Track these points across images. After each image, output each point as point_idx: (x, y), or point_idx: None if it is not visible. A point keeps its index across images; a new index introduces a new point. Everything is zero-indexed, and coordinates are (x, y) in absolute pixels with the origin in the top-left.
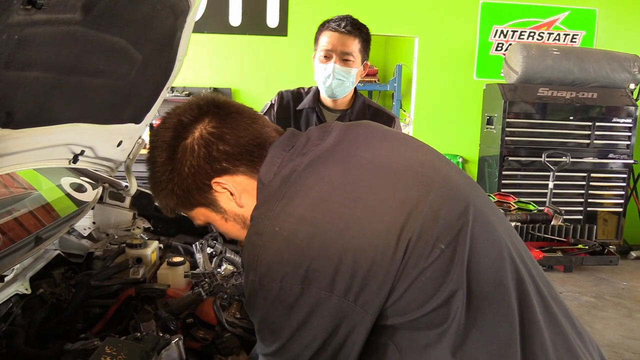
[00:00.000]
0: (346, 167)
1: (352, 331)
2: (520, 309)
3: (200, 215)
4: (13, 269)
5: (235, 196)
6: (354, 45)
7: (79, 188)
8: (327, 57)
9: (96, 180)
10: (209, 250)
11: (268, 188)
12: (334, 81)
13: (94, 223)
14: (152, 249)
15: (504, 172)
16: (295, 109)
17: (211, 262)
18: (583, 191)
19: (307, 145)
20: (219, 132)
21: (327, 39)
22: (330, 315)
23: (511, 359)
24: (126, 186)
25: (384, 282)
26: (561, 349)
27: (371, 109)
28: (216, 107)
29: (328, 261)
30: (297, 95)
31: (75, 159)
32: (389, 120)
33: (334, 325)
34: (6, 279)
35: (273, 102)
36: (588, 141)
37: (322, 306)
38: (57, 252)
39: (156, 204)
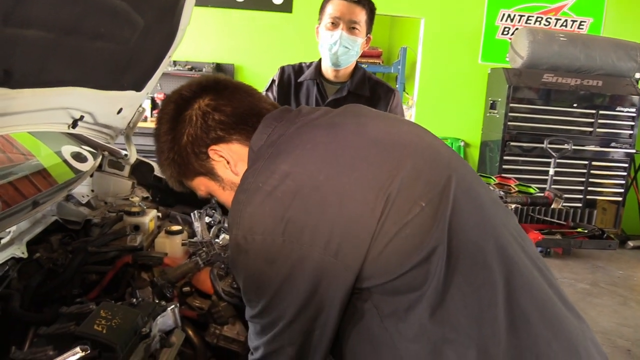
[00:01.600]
0: (332, 131)
1: (333, 289)
2: (505, 274)
3: (201, 185)
4: (9, 232)
5: (231, 164)
6: (361, 16)
7: (79, 156)
8: (335, 25)
9: (95, 147)
10: (207, 219)
11: (257, 153)
12: (340, 48)
13: (92, 191)
14: (150, 217)
15: (505, 157)
16: (297, 81)
17: (209, 231)
18: (584, 179)
19: (298, 116)
20: (215, 103)
21: (335, 7)
22: (312, 271)
23: (493, 322)
24: (126, 155)
25: (363, 238)
26: (552, 319)
27: (371, 81)
28: (215, 83)
29: (307, 215)
30: (299, 68)
31: (74, 124)
32: (388, 92)
33: (315, 282)
34: (2, 241)
35: (275, 77)
36: (591, 129)
37: (304, 261)
38: (55, 218)
39: (162, 176)
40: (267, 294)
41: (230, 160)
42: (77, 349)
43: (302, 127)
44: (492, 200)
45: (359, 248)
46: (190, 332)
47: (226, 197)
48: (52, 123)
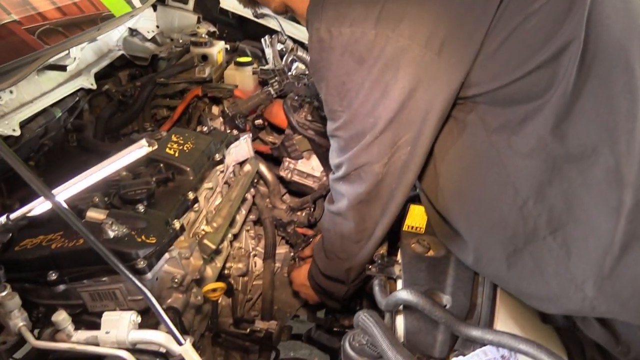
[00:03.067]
0: None
1: (432, 94)
2: None
3: None
4: (75, 59)
5: None
6: None
7: None
8: None
9: None
10: (279, 46)
11: None
12: None
13: (157, 27)
14: (218, 49)
15: None
16: None
17: (282, 59)
18: None
19: None
20: None
21: None
22: (409, 71)
23: (629, 137)
24: None
25: (474, 33)
26: None
27: None
28: None
29: (406, 3)
30: None
31: None
32: None
33: (412, 85)
34: (69, 68)
35: None
36: None
37: (399, 59)
38: (121, 52)
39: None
40: (356, 100)
41: None
42: (143, 140)
43: None
44: None
45: (467, 45)
46: (263, 168)
47: (302, 3)
48: None
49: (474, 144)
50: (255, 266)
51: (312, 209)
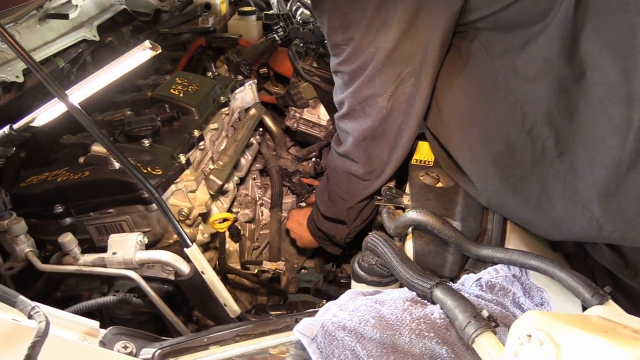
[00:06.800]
0: None
1: (433, 21)
2: None
3: None
4: (77, 7)
5: None
6: None
7: None
8: None
9: None
10: None
11: None
12: None
13: None
14: None
15: None
16: None
17: (286, 5)
18: None
19: None
20: None
21: None
22: (408, 0)
23: (637, 51)
24: None
25: None
26: None
27: None
28: None
29: None
30: None
31: None
32: None
33: (413, 11)
34: (71, 16)
35: None
36: None
37: None
38: (123, 7)
39: None
40: (357, 31)
41: None
42: (147, 42)
43: None
44: None
45: None
46: (267, 120)
47: None
48: None
49: (480, 71)
50: (262, 215)
51: (318, 158)
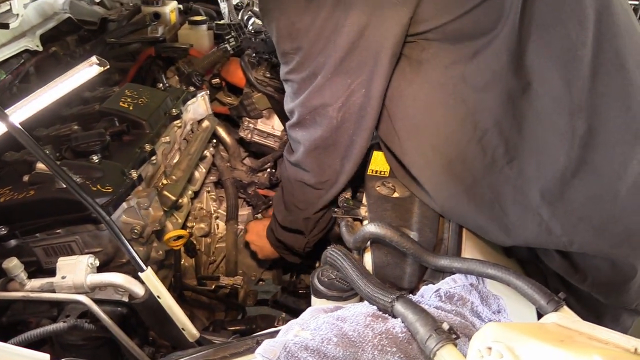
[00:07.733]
0: None
1: (384, 30)
2: (598, 8)
3: None
4: (18, 16)
5: None
6: None
7: None
8: None
9: None
10: (234, 0)
11: None
12: None
13: None
14: (171, 8)
15: None
16: None
17: (238, 14)
18: None
19: None
20: None
21: None
22: (358, 10)
23: (578, 63)
24: None
25: None
26: None
27: None
28: None
29: None
30: None
31: None
32: None
33: (363, 21)
34: (11, 26)
35: None
36: None
37: None
38: (68, 15)
39: None
40: (306, 39)
41: None
42: (94, 58)
43: None
44: None
45: None
46: (221, 131)
47: None
48: None
49: (431, 80)
50: (218, 229)
51: (273, 169)
